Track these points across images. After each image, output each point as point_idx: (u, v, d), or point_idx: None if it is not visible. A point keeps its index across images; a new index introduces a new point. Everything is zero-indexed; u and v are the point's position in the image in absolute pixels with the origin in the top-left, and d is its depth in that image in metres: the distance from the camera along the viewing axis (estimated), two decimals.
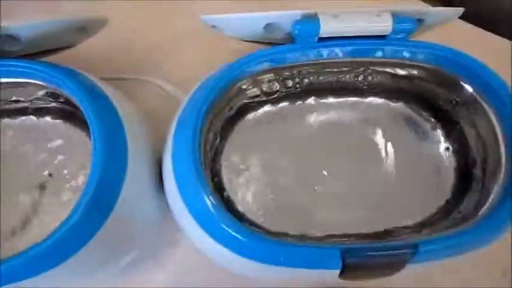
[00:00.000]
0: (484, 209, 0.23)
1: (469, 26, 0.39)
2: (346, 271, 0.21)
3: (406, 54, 0.26)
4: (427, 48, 0.26)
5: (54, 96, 0.28)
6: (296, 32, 0.25)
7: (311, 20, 0.24)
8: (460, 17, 0.28)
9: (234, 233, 0.21)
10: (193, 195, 0.22)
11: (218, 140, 0.27)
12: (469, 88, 0.26)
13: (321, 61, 0.26)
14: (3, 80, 0.25)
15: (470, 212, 0.25)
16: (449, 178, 0.28)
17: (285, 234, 0.25)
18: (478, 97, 0.26)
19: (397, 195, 0.27)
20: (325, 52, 0.26)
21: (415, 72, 0.27)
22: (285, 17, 0.25)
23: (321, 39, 0.25)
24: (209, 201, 0.21)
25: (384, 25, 0.25)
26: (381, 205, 0.27)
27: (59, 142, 0.29)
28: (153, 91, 0.36)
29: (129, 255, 0.27)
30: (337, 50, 0.26)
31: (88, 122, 0.23)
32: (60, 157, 0.29)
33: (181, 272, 0.30)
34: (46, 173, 0.28)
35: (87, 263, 0.23)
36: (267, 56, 0.25)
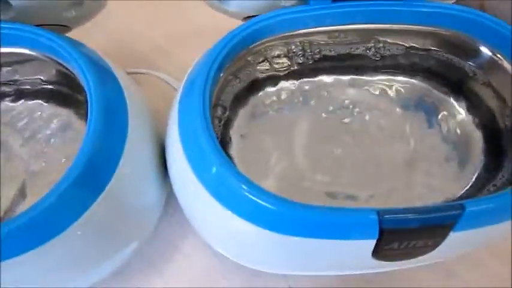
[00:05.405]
0: None
1: None
2: (382, 242, 0.18)
3: (424, 16, 0.24)
4: (446, 9, 0.24)
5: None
6: None
7: None
8: None
9: (258, 200, 0.17)
10: (205, 165, 0.19)
11: (227, 114, 0.25)
12: (487, 52, 0.24)
13: (334, 28, 0.24)
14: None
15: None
16: (477, 153, 0.25)
17: None
18: (498, 61, 0.24)
19: (422, 173, 0.24)
20: (339, 15, 0.24)
21: (431, 41, 0.25)
22: None
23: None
24: (226, 168, 0.18)
25: None
26: (408, 181, 0.24)
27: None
28: (153, 85, 0.34)
29: (127, 247, 0.23)
30: (352, 11, 0.24)
31: (86, 88, 0.20)
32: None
33: (181, 280, 0.26)
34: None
35: (70, 253, 0.20)
36: (280, 16, 0.23)
